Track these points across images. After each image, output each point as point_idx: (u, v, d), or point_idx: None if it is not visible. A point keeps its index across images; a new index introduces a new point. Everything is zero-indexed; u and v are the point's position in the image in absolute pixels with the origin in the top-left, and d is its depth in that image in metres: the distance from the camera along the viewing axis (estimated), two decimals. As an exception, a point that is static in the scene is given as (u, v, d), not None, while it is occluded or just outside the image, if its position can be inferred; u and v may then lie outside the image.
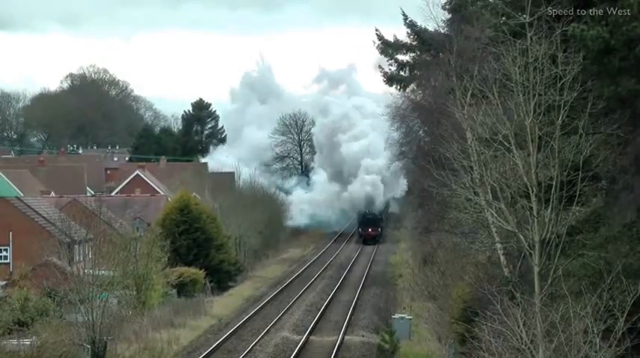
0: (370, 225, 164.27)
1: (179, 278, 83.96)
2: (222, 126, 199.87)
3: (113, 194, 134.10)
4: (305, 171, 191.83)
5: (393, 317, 67.74)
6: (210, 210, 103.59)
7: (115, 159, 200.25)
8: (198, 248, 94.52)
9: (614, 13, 38.55)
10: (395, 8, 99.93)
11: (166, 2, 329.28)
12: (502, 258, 43.73)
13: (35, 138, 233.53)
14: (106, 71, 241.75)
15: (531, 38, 35.69)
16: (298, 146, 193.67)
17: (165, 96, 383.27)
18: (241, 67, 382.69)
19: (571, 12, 39.03)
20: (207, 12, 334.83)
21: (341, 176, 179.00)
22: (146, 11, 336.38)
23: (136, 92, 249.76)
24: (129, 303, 68.15)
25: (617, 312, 30.81)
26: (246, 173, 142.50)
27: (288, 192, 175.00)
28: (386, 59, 76.98)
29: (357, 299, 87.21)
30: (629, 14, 38.13)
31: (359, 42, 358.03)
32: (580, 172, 35.71)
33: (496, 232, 41.40)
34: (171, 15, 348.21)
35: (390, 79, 78.16)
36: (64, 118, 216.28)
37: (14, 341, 50.80)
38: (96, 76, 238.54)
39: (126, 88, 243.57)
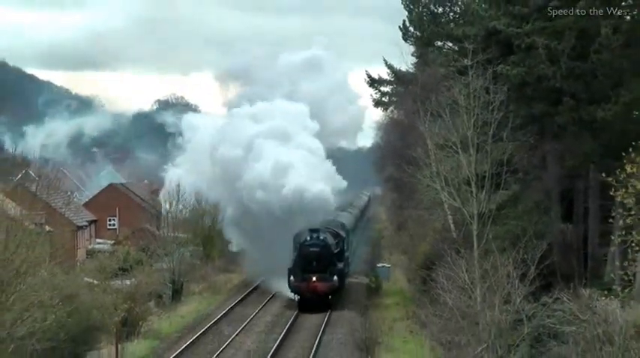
0: (314, 269, 53.79)
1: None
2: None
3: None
4: None
5: (377, 265, 67.71)
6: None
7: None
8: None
9: (529, 58, 38.58)
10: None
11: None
12: (452, 225, 43.65)
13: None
14: (182, 97, 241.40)
15: (472, 75, 35.66)
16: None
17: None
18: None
19: (499, 57, 39.08)
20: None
21: None
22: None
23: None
24: (198, 256, 68.32)
25: (529, 263, 30.75)
26: None
27: None
28: (373, 90, 76.68)
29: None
30: (538, 60, 38.20)
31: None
32: (504, 167, 35.82)
33: (447, 208, 41.38)
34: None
35: (377, 104, 77.81)
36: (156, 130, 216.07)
37: (119, 282, 50.98)
38: (176, 101, 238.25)
39: (197, 108, 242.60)
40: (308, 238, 54.75)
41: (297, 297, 54.44)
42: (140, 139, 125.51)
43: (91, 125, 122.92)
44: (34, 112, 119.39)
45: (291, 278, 53.99)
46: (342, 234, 58.24)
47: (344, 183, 63.29)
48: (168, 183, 65.77)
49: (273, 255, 57.85)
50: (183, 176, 68.23)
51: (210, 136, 68.62)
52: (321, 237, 54.88)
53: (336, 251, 55.62)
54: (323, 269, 53.92)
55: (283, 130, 63.29)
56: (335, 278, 53.99)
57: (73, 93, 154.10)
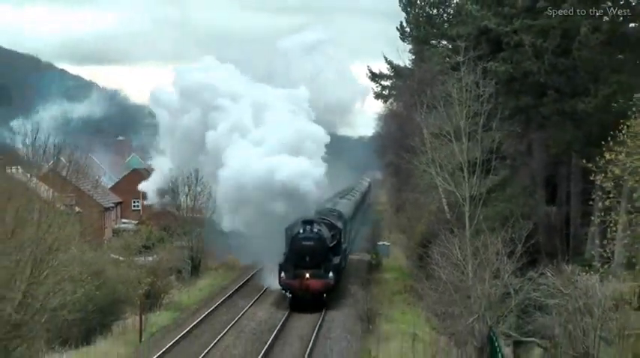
0: (307, 265, 44.89)
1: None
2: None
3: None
4: None
5: (378, 243, 67.67)
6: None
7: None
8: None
9: (517, 54, 38.60)
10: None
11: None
12: (446, 207, 43.72)
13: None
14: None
15: (464, 71, 35.67)
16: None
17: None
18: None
19: (489, 54, 39.10)
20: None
21: None
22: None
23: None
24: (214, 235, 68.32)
25: (517, 241, 30.76)
26: None
27: None
28: (374, 84, 76.66)
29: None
30: (525, 57, 38.21)
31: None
32: (494, 154, 35.85)
33: (442, 191, 41.41)
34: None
35: (378, 96, 77.81)
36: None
37: (143, 258, 51.19)
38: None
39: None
40: (301, 231, 45.40)
41: (289, 294, 45.06)
42: (139, 128, 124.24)
43: (82, 111, 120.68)
44: (33, 105, 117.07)
45: (282, 274, 44.87)
46: (339, 225, 49.34)
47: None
48: (159, 171, 62.82)
49: (262, 246, 49.06)
50: (166, 162, 61.16)
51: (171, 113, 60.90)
52: (316, 230, 45.64)
53: (332, 244, 46.37)
54: (317, 265, 44.84)
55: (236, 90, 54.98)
56: (330, 274, 44.88)
57: (101, 86, 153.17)
